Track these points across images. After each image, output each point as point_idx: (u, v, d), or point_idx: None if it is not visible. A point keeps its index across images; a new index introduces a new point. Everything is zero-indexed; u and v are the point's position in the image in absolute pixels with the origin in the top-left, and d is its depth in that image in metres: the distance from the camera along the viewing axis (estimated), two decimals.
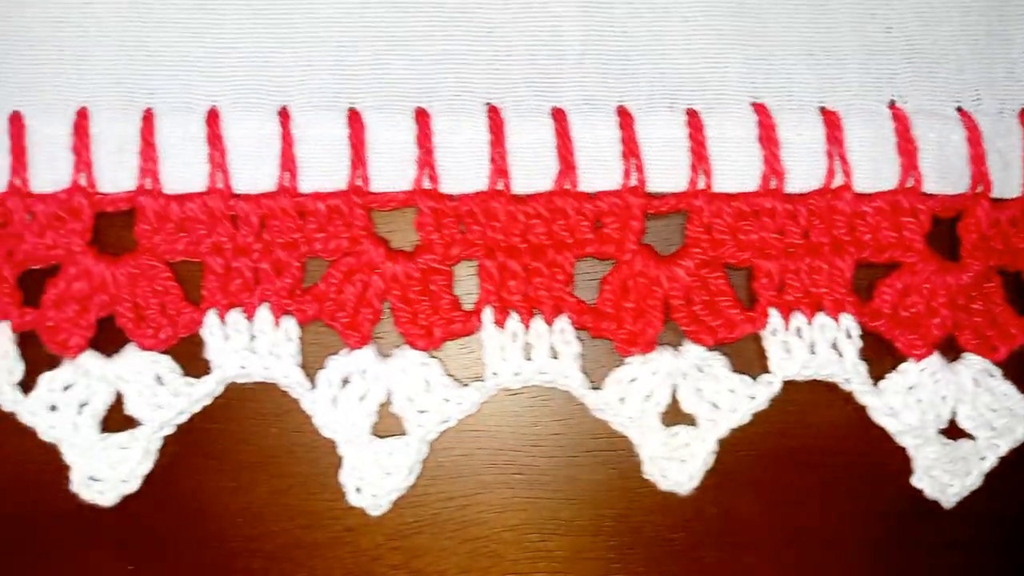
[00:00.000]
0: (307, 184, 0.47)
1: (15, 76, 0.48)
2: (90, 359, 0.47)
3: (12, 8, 0.48)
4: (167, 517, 0.49)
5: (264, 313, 0.47)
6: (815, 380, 0.49)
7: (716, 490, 0.49)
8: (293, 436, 0.50)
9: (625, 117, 0.48)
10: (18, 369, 0.47)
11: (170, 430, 0.48)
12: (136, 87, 0.48)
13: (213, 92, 0.48)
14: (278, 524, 0.50)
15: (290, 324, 0.47)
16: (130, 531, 0.49)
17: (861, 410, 0.49)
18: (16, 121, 0.47)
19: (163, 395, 0.48)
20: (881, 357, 0.49)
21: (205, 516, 0.49)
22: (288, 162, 0.47)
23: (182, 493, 0.49)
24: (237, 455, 0.50)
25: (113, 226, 0.49)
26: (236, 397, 0.49)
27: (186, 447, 0.49)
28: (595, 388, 0.48)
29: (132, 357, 0.48)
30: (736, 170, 0.48)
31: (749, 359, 0.49)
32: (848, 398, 0.49)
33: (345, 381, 0.48)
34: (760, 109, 0.48)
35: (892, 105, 0.49)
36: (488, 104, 0.48)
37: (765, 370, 0.49)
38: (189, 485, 0.49)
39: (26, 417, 0.47)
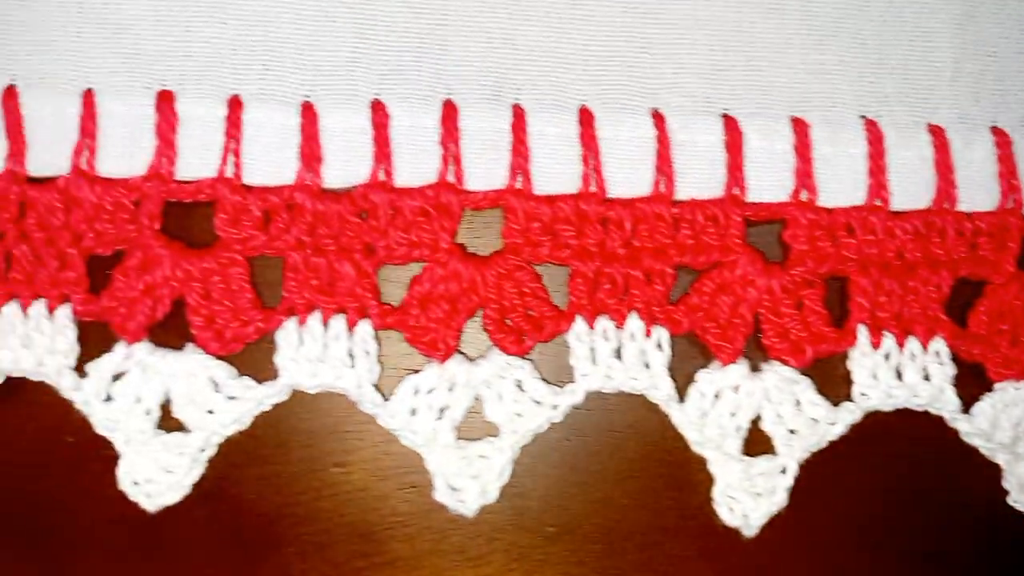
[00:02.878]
0: (683, 191, 0.46)
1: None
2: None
3: None
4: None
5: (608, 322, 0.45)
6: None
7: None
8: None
9: (1001, 136, 0.47)
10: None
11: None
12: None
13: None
14: None
15: (664, 336, 0.45)
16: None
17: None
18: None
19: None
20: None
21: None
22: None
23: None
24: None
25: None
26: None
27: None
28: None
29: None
30: None
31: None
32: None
33: (717, 396, 0.46)
34: None
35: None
36: (864, 117, 0.47)
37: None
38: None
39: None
